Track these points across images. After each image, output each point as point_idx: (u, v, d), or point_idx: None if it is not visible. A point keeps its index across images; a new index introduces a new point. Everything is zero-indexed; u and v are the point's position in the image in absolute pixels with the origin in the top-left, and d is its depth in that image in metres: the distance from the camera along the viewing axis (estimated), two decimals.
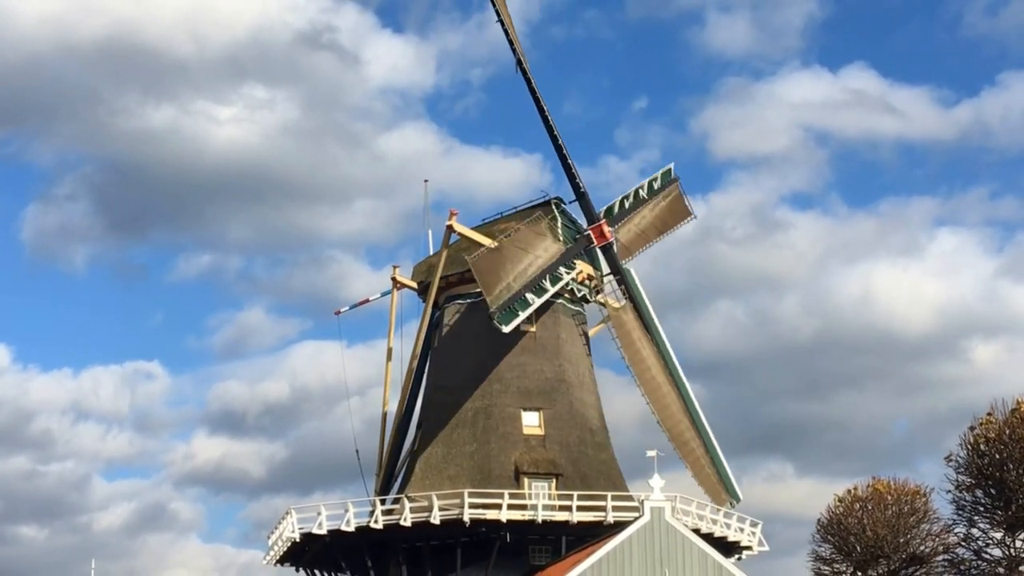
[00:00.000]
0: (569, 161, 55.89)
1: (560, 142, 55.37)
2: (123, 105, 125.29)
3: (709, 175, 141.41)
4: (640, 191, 60.64)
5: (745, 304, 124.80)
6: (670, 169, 62.60)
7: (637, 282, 58.74)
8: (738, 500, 58.14)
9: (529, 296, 52.53)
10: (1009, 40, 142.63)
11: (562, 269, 54.79)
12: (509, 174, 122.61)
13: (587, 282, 57.25)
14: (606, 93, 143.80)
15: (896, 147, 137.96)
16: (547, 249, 54.95)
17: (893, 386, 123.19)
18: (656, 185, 61.39)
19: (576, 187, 56.75)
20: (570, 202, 57.74)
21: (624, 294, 58.09)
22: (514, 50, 54.55)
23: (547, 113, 54.96)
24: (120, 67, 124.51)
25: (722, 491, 57.69)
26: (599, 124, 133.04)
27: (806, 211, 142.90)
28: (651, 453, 45.63)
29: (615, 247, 58.03)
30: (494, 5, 54.04)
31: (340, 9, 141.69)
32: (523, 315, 52.30)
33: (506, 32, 54.53)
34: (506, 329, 51.24)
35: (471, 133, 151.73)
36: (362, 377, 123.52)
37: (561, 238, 56.23)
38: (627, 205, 59.81)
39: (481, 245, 55.87)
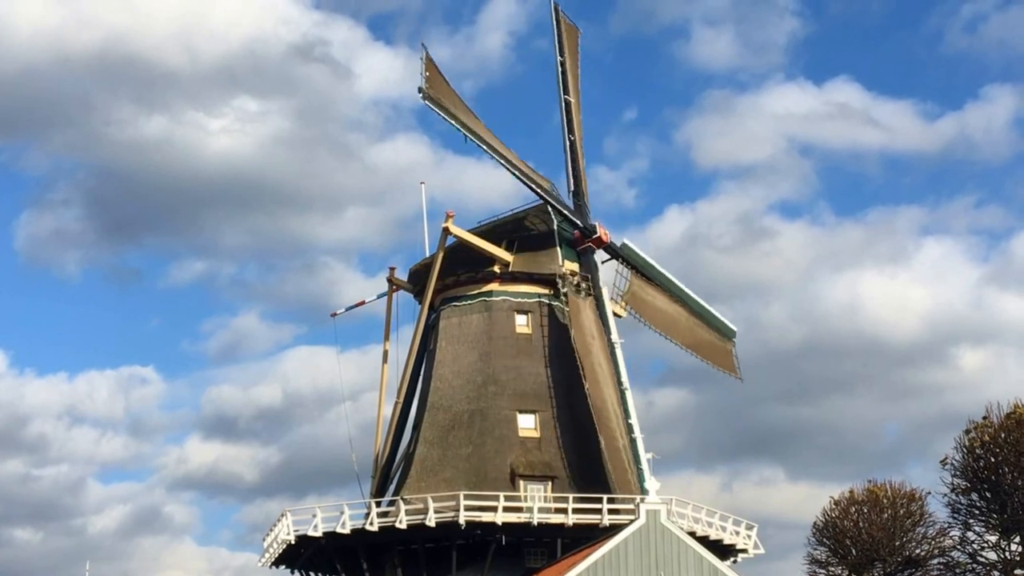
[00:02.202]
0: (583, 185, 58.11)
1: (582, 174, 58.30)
2: (117, 115, 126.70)
3: (696, 184, 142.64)
4: (695, 301, 61.54)
5: (733, 311, 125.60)
6: (734, 331, 63.52)
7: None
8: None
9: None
10: (990, 56, 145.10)
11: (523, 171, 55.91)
12: (501, 183, 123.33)
13: (581, 285, 57.18)
14: (595, 105, 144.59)
15: (880, 159, 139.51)
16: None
17: (881, 392, 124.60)
18: (719, 325, 62.58)
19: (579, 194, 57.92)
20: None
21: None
22: (567, 91, 57.90)
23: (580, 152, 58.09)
24: (114, 78, 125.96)
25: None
26: (588, 134, 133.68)
27: (794, 220, 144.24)
28: (648, 455, 45.64)
29: (615, 249, 58.40)
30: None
31: (332, 23, 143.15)
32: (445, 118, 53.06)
33: (564, 73, 58.61)
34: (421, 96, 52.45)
35: (462, 143, 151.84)
36: (355, 382, 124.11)
37: (557, 239, 56.47)
38: (659, 275, 60.41)
39: (478, 248, 56.06)
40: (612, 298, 57.82)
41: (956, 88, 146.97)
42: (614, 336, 54.78)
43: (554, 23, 61.98)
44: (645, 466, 51.49)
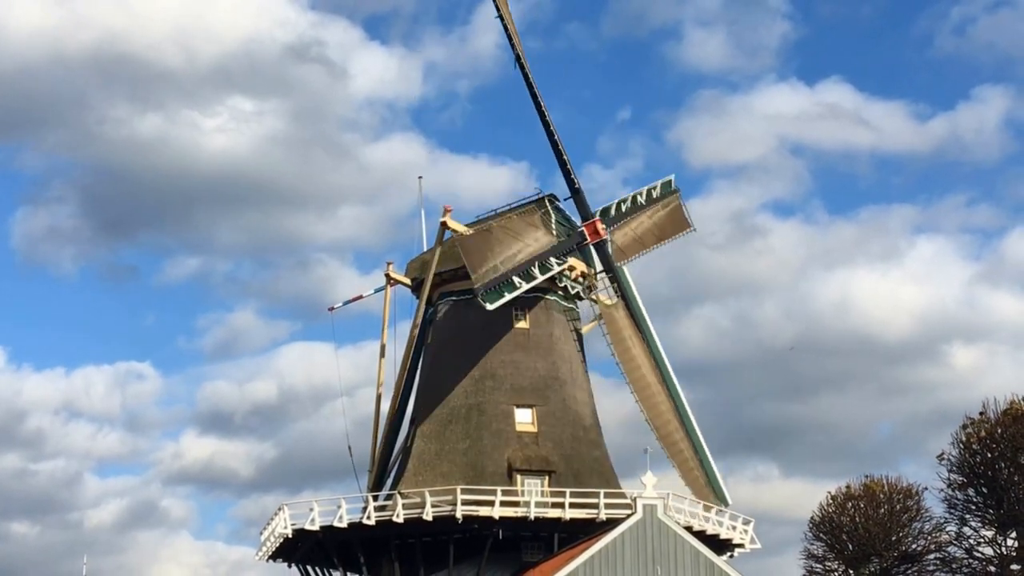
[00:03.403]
0: (565, 157, 55.75)
1: (556, 137, 55.25)
2: (112, 114, 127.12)
3: (688, 183, 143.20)
4: (639, 197, 60.46)
5: (727, 309, 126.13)
6: (671, 180, 62.50)
7: (630, 281, 58.75)
8: (727, 504, 57.14)
9: (516, 280, 52.32)
10: (980, 58, 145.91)
11: (552, 259, 54.70)
12: (496, 182, 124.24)
13: (580, 279, 57.27)
14: (588, 104, 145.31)
15: (872, 159, 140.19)
16: (538, 239, 54.89)
17: (874, 389, 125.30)
18: (656, 194, 61.27)
19: (571, 183, 56.67)
20: (565, 199, 57.72)
21: (616, 292, 58.09)
22: (513, 45, 54.56)
23: (544, 109, 54.92)
24: (109, 77, 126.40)
25: (710, 494, 57.08)
26: (582, 134, 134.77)
27: (787, 218, 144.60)
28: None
29: (609, 247, 58.04)
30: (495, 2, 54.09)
31: (328, 23, 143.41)
32: (508, 297, 51.87)
33: (505, 28, 54.53)
34: (490, 307, 50.95)
35: (458, 142, 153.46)
36: (351, 378, 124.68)
37: (554, 232, 56.25)
38: (624, 209, 59.62)
39: None
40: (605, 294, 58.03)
41: (947, 89, 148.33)
42: (651, 328, 56.04)
43: None
44: (718, 471, 52.75)
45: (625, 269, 58.82)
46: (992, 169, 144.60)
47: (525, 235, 54.28)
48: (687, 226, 62.28)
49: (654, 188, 61.31)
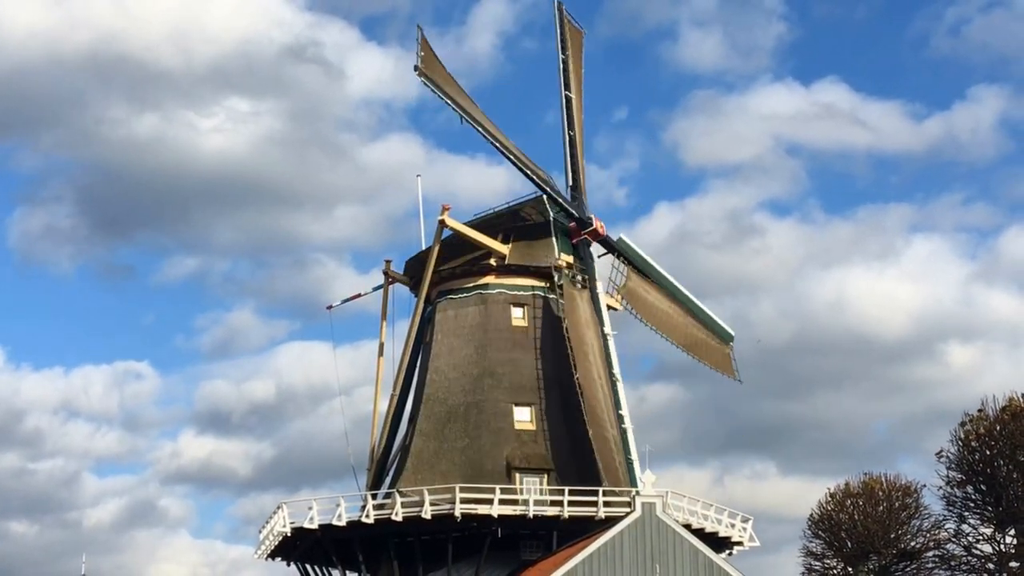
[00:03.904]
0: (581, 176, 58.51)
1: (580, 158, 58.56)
2: (109, 114, 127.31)
3: (684, 182, 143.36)
4: (692, 302, 61.69)
5: (723, 307, 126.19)
6: (731, 335, 63.55)
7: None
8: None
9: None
10: (974, 58, 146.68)
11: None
12: (494, 182, 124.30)
13: (578, 278, 57.25)
14: (585, 104, 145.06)
15: (868, 159, 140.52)
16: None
17: (870, 388, 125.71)
18: (716, 327, 62.65)
19: (575, 183, 58.12)
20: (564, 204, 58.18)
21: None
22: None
23: (571, 130, 58.50)
24: (107, 77, 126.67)
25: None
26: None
27: (784, 218, 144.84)
28: (639, 449, 45.74)
29: (614, 276, 59.02)
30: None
31: (325, 24, 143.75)
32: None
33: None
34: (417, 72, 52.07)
35: (455, 142, 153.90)
36: (348, 377, 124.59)
37: (553, 231, 56.48)
38: (661, 278, 60.76)
39: (474, 240, 56.04)
40: (608, 292, 57.93)
41: (943, 89, 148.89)
42: (607, 328, 54.86)
43: (557, 23, 61.94)
44: (635, 458, 51.68)
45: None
46: (988, 168, 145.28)
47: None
48: (732, 374, 63.29)
49: (717, 324, 62.75)
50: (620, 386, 53.59)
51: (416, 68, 52.63)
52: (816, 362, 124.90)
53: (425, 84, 52.86)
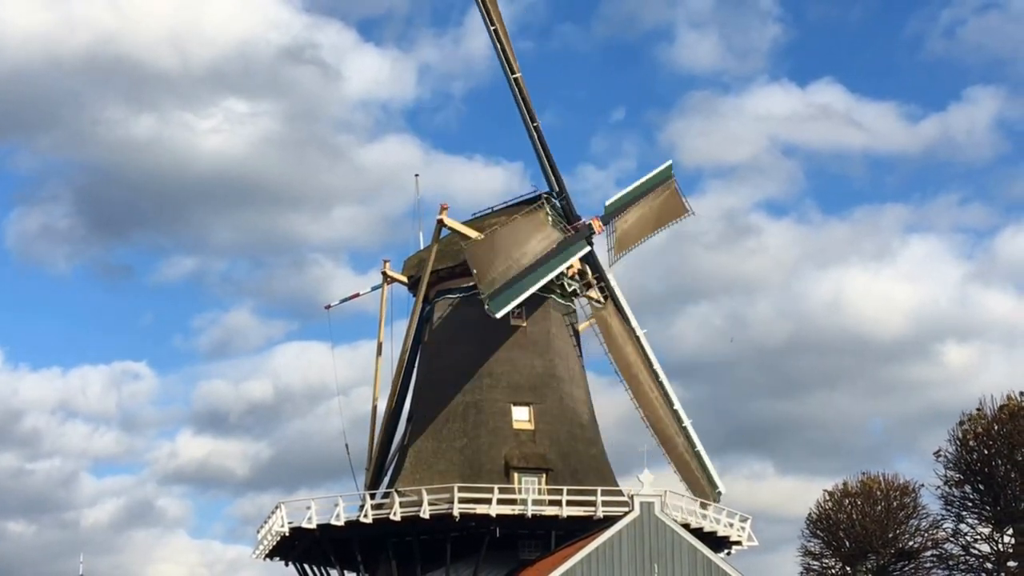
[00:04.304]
0: (557, 176, 56.88)
1: (548, 151, 56.42)
2: (106, 115, 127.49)
3: (681, 182, 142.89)
4: (638, 187, 60.76)
5: (720, 307, 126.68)
6: (669, 165, 62.82)
7: (614, 285, 58.68)
8: (720, 493, 57.69)
9: (522, 283, 52.33)
10: (969, 59, 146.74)
11: (556, 259, 54.70)
12: (491, 182, 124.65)
13: (576, 277, 57.31)
14: (582, 105, 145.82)
15: (864, 159, 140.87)
16: (542, 239, 54.91)
17: (867, 387, 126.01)
18: (653, 181, 61.51)
19: (561, 188, 57.16)
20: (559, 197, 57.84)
21: (605, 295, 58.10)
22: (506, 56, 54.58)
23: (533, 121, 55.87)
24: (104, 79, 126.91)
25: (706, 485, 57.44)
26: (576, 134, 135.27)
27: (781, 218, 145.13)
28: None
29: (604, 249, 58.42)
30: (484, 10, 53.94)
31: (322, 26, 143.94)
32: (515, 301, 51.96)
33: (499, 39, 54.66)
34: (498, 315, 50.97)
35: (452, 143, 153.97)
36: (346, 377, 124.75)
37: (554, 226, 56.42)
38: (624, 200, 59.93)
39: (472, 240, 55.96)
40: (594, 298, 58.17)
41: (938, 90, 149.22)
42: (638, 329, 55.99)
43: None
44: (702, 450, 52.51)
45: (611, 274, 58.63)
46: (983, 169, 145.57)
47: (530, 235, 54.39)
48: (684, 211, 62.56)
49: (652, 176, 61.70)
50: (668, 386, 54.73)
51: None
52: (813, 362, 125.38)
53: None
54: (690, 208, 62.75)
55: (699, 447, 58.03)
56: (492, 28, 54.72)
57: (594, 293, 58.14)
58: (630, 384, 57.23)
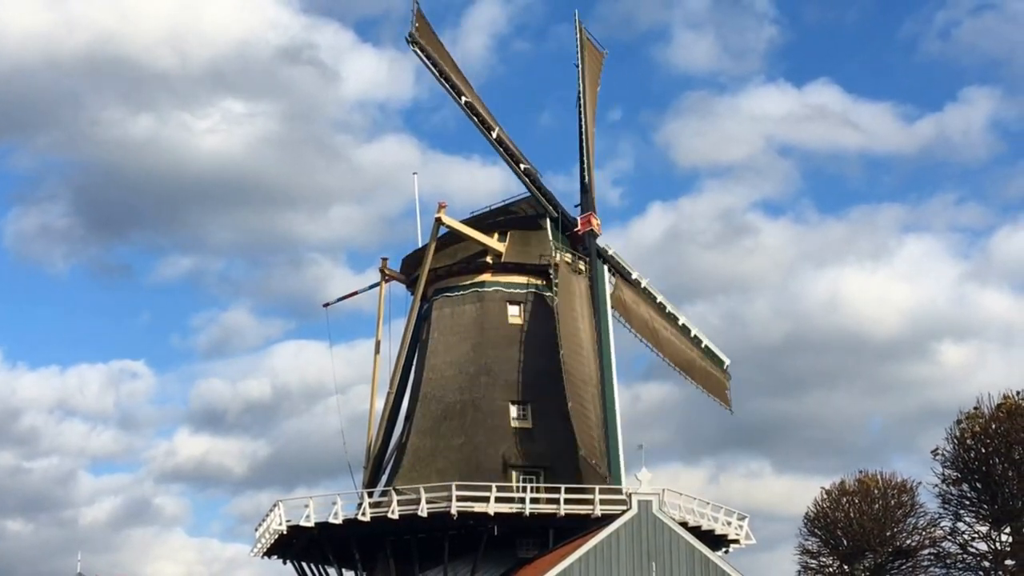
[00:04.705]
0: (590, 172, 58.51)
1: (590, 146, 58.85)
2: (104, 115, 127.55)
3: (678, 182, 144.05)
4: (699, 338, 62.32)
5: (717, 307, 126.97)
6: (727, 365, 63.80)
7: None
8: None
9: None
10: (965, 60, 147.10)
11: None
12: (489, 182, 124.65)
13: (566, 263, 57.24)
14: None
15: (860, 160, 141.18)
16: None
17: (864, 386, 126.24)
18: (712, 352, 62.89)
19: (583, 182, 58.48)
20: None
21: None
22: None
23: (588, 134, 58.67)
24: (102, 78, 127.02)
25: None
26: (572, 135, 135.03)
27: (778, 217, 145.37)
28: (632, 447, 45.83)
29: (601, 248, 58.48)
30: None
31: (320, 26, 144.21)
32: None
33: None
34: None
35: (450, 143, 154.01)
36: (344, 376, 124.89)
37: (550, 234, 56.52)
38: (652, 297, 60.93)
39: (470, 238, 56.05)
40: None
41: (934, 91, 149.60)
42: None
43: (578, 48, 61.33)
44: (619, 436, 52.28)
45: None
46: (980, 169, 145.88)
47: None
48: (726, 402, 63.62)
49: (714, 351, 62.97)
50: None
51: (408, 36, 52.87)
52: (810, 361, 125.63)
53: (416, 53, 53.14)
54: (731, 408, 64.02)
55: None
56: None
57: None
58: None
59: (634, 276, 59.99)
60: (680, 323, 61.78)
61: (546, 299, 56.66)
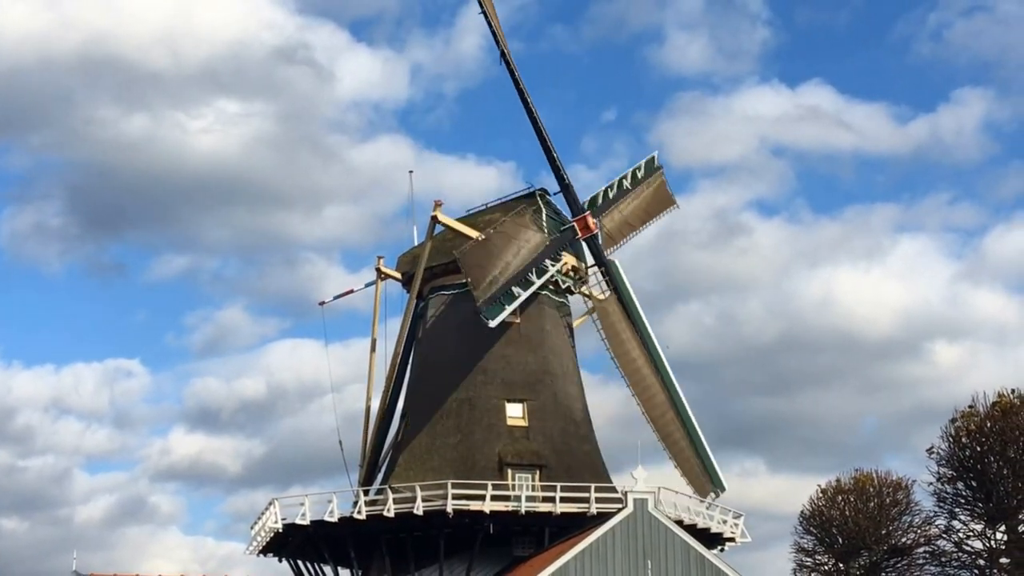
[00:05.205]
0: (554, 153, 56.08)
1: (544, 134, 55.62)
2: (99, 114, 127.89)
3: (672, 182, 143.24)
4: (624, 180, 60.93)
5: (711, 306, 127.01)
6: (654, 158, 63.01)
7: (622, 273, 58.58)
8: (723, 489, 57.06)
9: (515, 290, 52.45)
10: (957, 61, 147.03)
11: (548, 262, 54.73)
12: (484, 182, 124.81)
13: (571, 273, 57.30)
14: (573, 106, 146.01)
15: (853, 160, 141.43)
16: (530, 240, 54.93)
17: (858, 386, 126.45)
18: (640, 174, 61.66)
19: (560, 179, 56.80)
20: (554, 194, 57.86)
21: (609, 285, 57.98)
22: (497, 41, 54.67)
23: (531, 104, 55.21)
24: (97, 78, 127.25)
25: (707, 482, 56.95)
26: (567, 135, 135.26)
27: (771, 217, 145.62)
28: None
29: (600, 238, 58.05)
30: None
31: (315, 27, 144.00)
32: (509, 309, 52.26)
33: (490, 24, 54.70)
34: (493, 324, 51.19)
35: (445, 143, 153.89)
36: (339, 375, 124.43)
37: (546, 229, 56.23)
38: (611, 195, 60.10)
39: (466, 237, 55.97)
40: (588, 293, 58.01)
41: (927, 92, 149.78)
42: (646, 321, 56.57)
43: None
44: (712, 458, 53.29)
45: (617, 261, 58.69)
46: (973, 169, 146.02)
47: (518, 237, 54.34)
48: (672, 203, 63.03)
49: (639, 168, 61.83)
50: (674, 380, 55.46)
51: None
52: (803, 361, 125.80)
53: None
54: (676, 201, 63.36)
55: (702, 441, 56.97)
56: (487, 19, 54.59)
57: (588, 289, 58.16)
58: (630, 379, 56.72)
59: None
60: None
61: (542, 297, 56.63)
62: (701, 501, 54.03)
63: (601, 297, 57.79)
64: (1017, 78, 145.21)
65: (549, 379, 55.64)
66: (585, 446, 55.70)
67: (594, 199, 59.28)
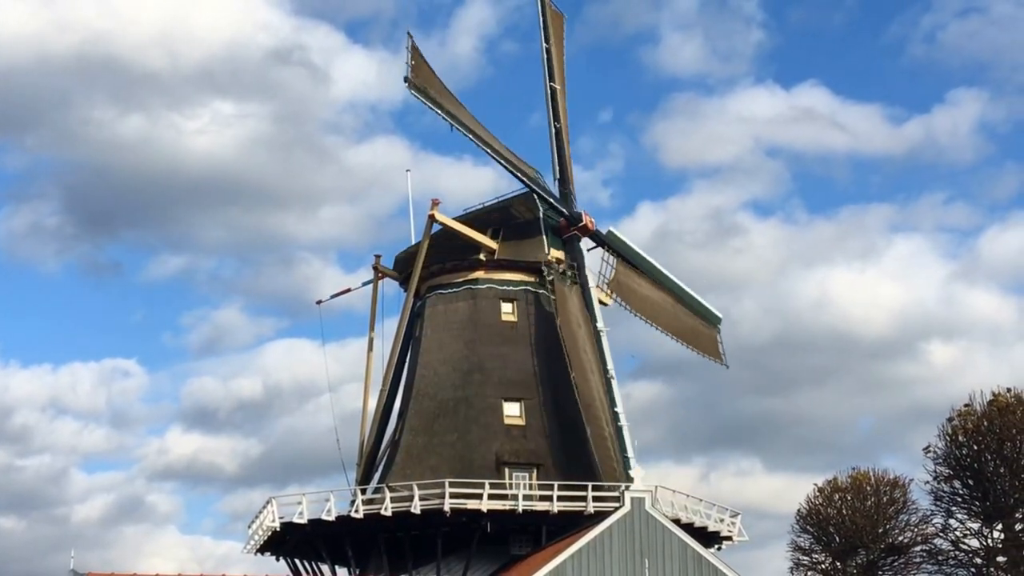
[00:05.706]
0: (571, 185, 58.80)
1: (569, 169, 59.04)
2: (95, 115, 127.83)
3: (666, 183, 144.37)
4: (680, 288, 61.84)
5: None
6: (719, 318, 63.94)
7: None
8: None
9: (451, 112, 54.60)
10: (951, 62, 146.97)
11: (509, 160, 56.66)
12: (480, 182, 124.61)
13: (569, 273, 57.38)
14: (568, 106, 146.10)
15: (848, 160, 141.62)
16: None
17: (853, 385, 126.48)
18: (704, 311, 62.96)
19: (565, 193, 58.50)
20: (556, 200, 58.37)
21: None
22: (553, 77, 59.07)
23: (565, 139, 59.16)
24: (93, 79, 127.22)
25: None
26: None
27: (767, 218, 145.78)
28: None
29: (605, 274, 58.83)
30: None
31: (311, 28, 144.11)
32: (430, 104, 53.71)
33: (549, 61, 59.30)
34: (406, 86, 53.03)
35: (441, 144, 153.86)
36: (336, 374, 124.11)
37: (542, 227, 56.61)
38: (667, 284, 61.26)
39: (464, 236, 56.11)
40: (598, 285, 57.95)
41: (921, 93, 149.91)
42: (600, 324, 54.85)
43: (539, 8, 61.98)
44: (631, 454, 51.66)
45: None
46: (967, 170, 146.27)
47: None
48: (719, 358, 63.83)
49: (705, 306, 63.00)
50: (615, 383, 53.69)
51: (406, 79, 52.94)
52: (799, 360, 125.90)
53: (414, 95, 53.27)
54: (725, 362, 64.17)
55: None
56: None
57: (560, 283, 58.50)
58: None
59: (638, 252, 60.17)
60: (677, 291, 61.58)
61: (539, 296, 56.76)
62: (699, 500, 54.09)
63: (607, 293, 57.99)
64: (1011, 79, 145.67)
65: (546, 378, 55.66)
66: (582, 445, 55.69)
67: (640, 259, 60.62)
